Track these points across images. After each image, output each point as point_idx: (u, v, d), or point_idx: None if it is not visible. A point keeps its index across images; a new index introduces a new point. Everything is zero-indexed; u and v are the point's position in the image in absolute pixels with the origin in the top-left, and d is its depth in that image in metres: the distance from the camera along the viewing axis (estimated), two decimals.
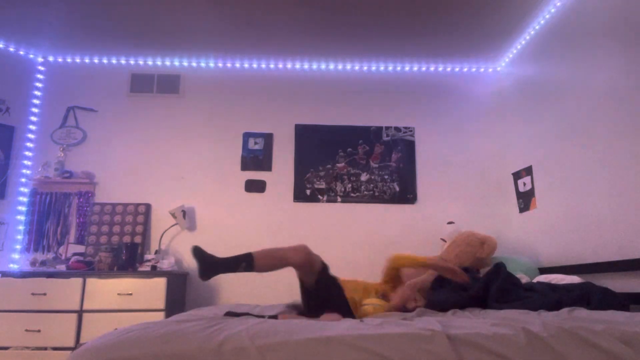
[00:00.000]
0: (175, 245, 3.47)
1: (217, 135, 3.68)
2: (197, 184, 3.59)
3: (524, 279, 2.56)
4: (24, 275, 2.89)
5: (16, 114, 3.55)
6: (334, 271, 3.49)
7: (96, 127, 3.62)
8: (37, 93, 3.67)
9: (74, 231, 3.44)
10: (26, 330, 2.72)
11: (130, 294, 2.83)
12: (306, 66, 3.85)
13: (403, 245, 3.51)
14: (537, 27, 3.22)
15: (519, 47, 3.52)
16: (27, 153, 3.55)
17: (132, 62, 3.78)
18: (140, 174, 3.58)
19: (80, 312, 2.80)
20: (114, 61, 3.77)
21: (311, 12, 3.11)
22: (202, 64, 3.82)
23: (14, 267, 3.31)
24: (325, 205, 3.60)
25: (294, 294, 3.38)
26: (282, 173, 3.64)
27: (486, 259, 2.99)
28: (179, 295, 3.22)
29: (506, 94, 3.74)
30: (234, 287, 3.41)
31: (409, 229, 3.56)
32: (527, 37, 3.37)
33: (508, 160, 3.62)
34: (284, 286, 3.42)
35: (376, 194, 3.63)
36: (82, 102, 3.66)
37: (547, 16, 3.08)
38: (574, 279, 2.35)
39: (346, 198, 3.62)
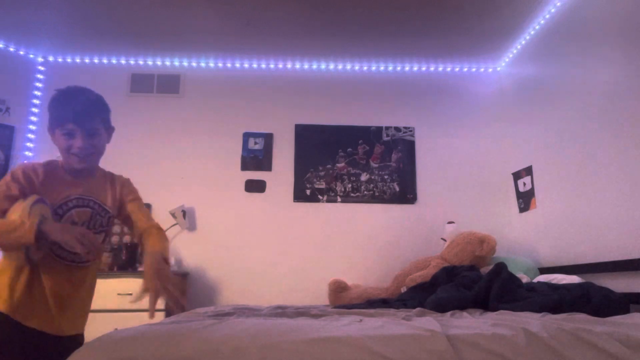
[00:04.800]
0: (175, 245, 3.47)
1: (217, 135, 3.68)
2: (197, 184, 3.59)
3: (525, 278, 2.56)
4: None
5: (16, 114, 3.55)
6: (334, 272, 3.50)
7: None
8: (37, 93, 3.67)
9: None
10: None
11: (130, 294, 2.83)
12: (306, 66, 3.85)
13: (403, 245, 3.52)
14: (537, 27, 3.22)
15: (519, 47, 3.52)
16: (27, 153, 3.55)
17: (132, 62, 3.78)
18: (140, 174, 3.57)
19: None
20: (114, 61, 3.78)
21: (311, 12, 3.11)
22: (202, 64, 3.82)
23: None
24: (325, 205, 3.61)
25: (294, 294, 3.39)
26: (282, 173, 3.64)
27: (486, 258, 3.00)
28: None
29: (506, 94, 3.74)
30: (234, 287, 3.41)
31: (409, 229, 3.56)
32: (527, 37, 3.37)
33: (508, 160, 3.62)
34: (285, 287, 3.43)
35: (376, 194, 3.63)
36: None
37: (547, 16, 3.08)
38: (574, 279, 2.36)
39: (346, 198, 3.62)
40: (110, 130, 1.70)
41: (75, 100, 1.50)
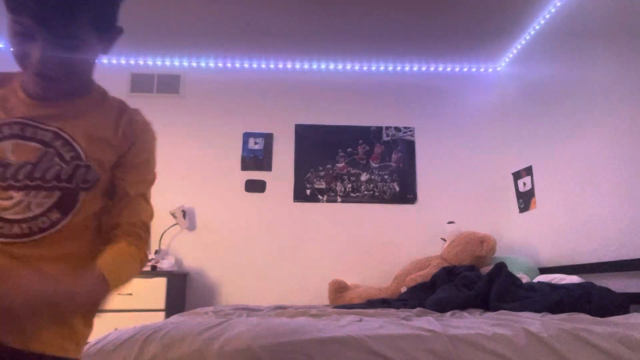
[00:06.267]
0: (175, 245, 3.47)
1: (217, 135, 3.68)
2: (197, 184, 3.59)
3: (525, 278, 2.56)
4: None
5: None
6: (334, 272, 3.50)
7: None
8: None
9: None
10: None
11: (130, 294, 2.82)
12: (306, 66, 3.85)
13: (403, 245, 3.51)
14: (537, 27, 3.22)
15: (519, 47, 3.51)
16: None
17: (132, 62, 3.78)
18: None
19: None
20: (114, 61, 3.77)
21: (311, 12, 3.11)
22: (202, 64, 3.82)
23: None
24: (325, 205, 3.60)
25: (294, 294, 3.39)
26: (282, 173, 3.64)
27: (486, 258, 3.00)
28: (179, 295, 3.22)
29: (506, 94, 3.74)
30: (234, 287, 3.41)
31: (409, 229, 3.56)
32: (527, 37, 3.37)
33: (508, 160, 3.62)
34: (285, 287, 3.43)
35: (376, 194, 3.63)
36: None
37: (547, 16, 3.08)
38: (574, 279, 2.36)
39: (346, 198, 3.62)
40: (108, 34, 0.97)
41: None
